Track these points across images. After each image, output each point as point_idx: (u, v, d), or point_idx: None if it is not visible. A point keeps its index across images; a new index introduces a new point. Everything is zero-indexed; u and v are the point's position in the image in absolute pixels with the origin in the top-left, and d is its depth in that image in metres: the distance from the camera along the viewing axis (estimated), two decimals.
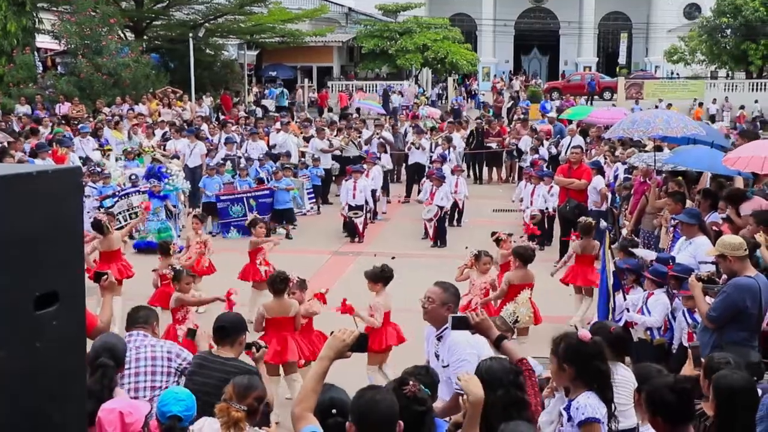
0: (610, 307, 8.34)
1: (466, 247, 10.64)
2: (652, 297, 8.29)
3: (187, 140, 21.09)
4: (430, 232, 16.83)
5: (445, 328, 5.42)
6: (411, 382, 4.04)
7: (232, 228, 17.43)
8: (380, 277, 8.78)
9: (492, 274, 10.13)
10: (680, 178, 12.75)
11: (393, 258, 9.42)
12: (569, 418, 4.42)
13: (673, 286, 8.29)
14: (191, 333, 6.64)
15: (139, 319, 6.02)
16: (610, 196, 16.11)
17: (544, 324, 9.90)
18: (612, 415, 4.42)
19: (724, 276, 7.25)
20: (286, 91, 42.18)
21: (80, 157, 18.52)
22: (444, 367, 5.44)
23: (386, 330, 8.83)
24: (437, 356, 5.54)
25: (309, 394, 3.89)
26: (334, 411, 4.01)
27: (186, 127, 23.52)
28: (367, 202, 17.38)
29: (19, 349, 2.06)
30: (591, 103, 40.88)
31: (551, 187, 16.08)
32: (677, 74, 55.98)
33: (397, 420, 3.65)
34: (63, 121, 23.35)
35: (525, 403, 4.40)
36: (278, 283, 8.43)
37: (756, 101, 43.23)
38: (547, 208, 16.11)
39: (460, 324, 5.06)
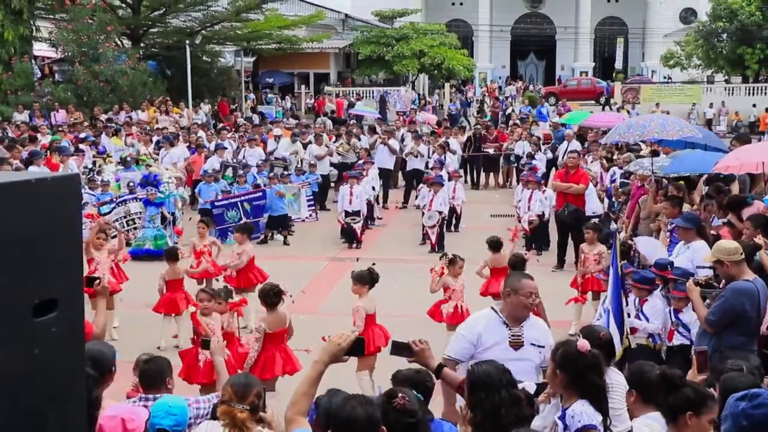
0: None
1: (444, 254, 10.67)
2: (647, 303, 8.27)
3: (184, 146, 21.17)
4: (432, 238, 16.76)
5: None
6: (400, 395, 4.03)
7: (229, 233, 17.44)
8: (367, 279, 8.84)
9: (463, 277, 10.34)
10: (682, 182, 12.77)
11: (374, 264, 9.52)
12: (565, 427, 4.43)
13: (671, 288, 8.30)
14: (205, 344, 6.49)
15: (150, 378, 5.43)
16: (607, 200, 16.15)
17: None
18: (607, 427, 4.44)
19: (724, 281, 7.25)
20: (273, 97, 42.31)
21: (85, 167, 18.57)
22: (539, 347, 5.64)
23: (372, 332, 8.81)
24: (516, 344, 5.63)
25: (302, 398, 3.88)
26: None
27: (169, 134, 23.43)
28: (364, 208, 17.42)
29: (19, 354, 2.06)
30: (611, 109, 40.79)
31: (544, 191, 16.13)
32: (669, 78, 56.12)
33: (378, 429, 3.66)
34: (60, 129, 23.34)
35: (520, 399, 4.42)
36: (272, 297, 8.27)
37: (754, 105, 43.32)
38: (543, 213, 16.10)
39: (402, 350, 4.99)
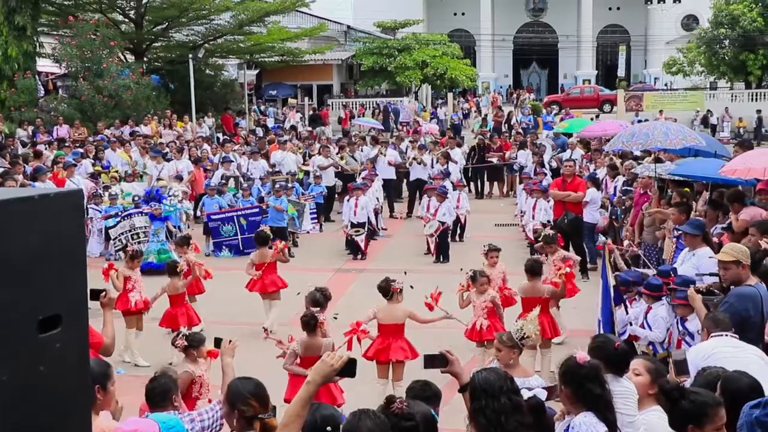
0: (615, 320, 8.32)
1: (461, 269, 10.61)
2: (651, 312, 8.26)
3: (188, 160, 21.23)
4: (432, 247, 16.88)
5: None
6: (398, 400, 4.09)
7: (224, 247, 17.50)
8: (383, 291, 9.07)
9: (491, 292, 10.07)
10: (687, 189, 12.76)
11: (405, 273, 9.68)
12: None
13: (672, 296, 8.28)
14: (217, 342, 6.48)
15: (156, 397, 5.49)
16: (610, 208, 16.13)
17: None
18: None
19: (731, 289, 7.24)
20: (272, 110, 42.47)
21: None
22: None
23: (384, 342, 8.93)
24: None
25: (293, 419, 3.86)
26: (329, 429, 4.00)
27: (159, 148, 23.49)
28: (369, 220, 17.39)
29: (24, 371, 2.07)
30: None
31: (549, 200, 16.16)
32: (666, 85, 56.12)
33: None
34: (63, 144, 23.41)
35: (524, 408, 4.41)
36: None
37: (758, 111, 43.26)
38: (549, 221, 16.10)
39: (434, 362, 4.95)
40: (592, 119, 33.31)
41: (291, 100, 45.21)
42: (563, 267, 10.81)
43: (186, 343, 7.55)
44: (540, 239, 12.15)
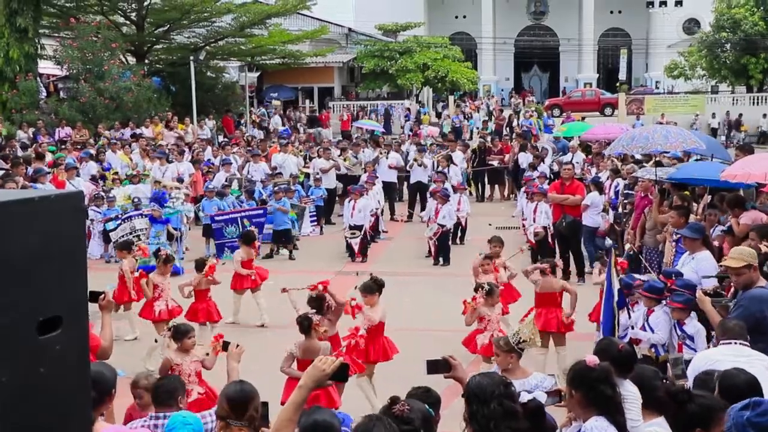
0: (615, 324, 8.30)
1: (481, 285, 10.45)
2: (653, 314, 8.23)
3: (189, 163, 21.21)
4: (432, 250, 16.86)
5: None
6: (400, 402, 4.06)
7: (226, 249, 17.45)
8: (375, 288, 9.00)
9: (499, 304, 9.92)
10: (687, 192, 12.74)
11: (357, 273, 9.75)
12: None
13: (669, 299, 8.24)
14: (225, 345, 6.50)
15: (162, 396, 5.54)
16: (612, 211, 16.11)
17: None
18: None
19: (739, 291, 7.23)
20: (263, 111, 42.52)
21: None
22: None
23: (376, 343, 8.95)
24: None
25: (285, 424, 3.84)
26: None
27: (186, 149, 23.61)
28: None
29: (24, 373, 2.07)
30: None
31: (550, 203, 16.16)
32: (662, 88, 56.07)
33: None
34: (63, 146, 23.43)
35: (518, 413, 4.38)
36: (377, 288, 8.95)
37: (765, 115, 43.23)
38: (549, 225, 16.07)
39: (438, 368, 4.93)
40: (578, 120, 33.39)
41: (275, 102, 45.17)
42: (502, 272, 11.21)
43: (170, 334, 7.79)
44: (491, 242, 12.18)
